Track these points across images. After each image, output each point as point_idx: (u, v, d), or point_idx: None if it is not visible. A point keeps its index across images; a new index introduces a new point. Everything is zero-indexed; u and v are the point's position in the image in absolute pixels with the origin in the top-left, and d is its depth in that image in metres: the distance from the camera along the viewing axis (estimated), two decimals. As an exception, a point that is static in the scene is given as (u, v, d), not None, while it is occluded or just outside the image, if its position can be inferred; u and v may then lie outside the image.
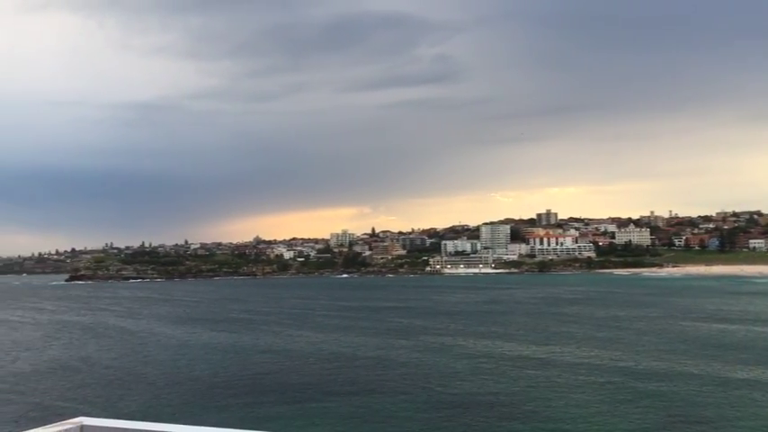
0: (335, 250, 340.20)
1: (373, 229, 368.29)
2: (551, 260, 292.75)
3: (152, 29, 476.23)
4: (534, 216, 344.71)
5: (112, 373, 51.19)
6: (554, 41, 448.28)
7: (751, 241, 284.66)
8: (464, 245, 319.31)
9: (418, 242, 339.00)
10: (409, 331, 74.19)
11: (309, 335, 72.70)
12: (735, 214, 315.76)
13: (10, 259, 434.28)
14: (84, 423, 5.45)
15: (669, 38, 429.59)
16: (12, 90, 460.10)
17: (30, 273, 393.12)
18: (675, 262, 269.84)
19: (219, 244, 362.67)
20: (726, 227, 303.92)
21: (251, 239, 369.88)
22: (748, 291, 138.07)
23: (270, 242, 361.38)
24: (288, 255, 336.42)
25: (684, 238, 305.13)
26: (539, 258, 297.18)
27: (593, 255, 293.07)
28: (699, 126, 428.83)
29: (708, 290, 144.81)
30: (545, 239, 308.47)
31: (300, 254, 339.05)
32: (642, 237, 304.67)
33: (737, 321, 78.33)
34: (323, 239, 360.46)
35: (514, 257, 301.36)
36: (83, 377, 49.68)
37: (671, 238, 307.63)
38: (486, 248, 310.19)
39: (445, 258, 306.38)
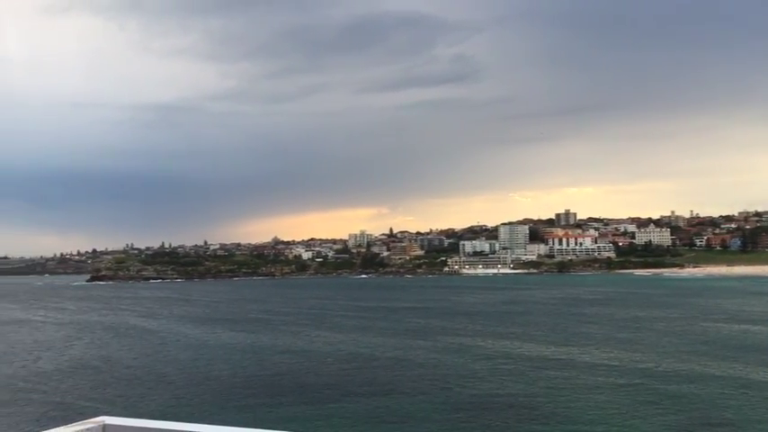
0: (353, 251, 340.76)
1: (391, 230, 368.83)
2: (570, 260, 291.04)
3: (172, 31, 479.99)
4: (553, 216, 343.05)
5: (133, 372, 51.66)
6: (572, 40, 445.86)
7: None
8: (482, 245, 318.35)
9: (436, 242, 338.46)
10: (428, 332, 74.10)
11: (328, 335, 72.87)
12: (757, 214, 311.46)
13: (32, 260, 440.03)
14: (107, 422, 5.50)
15: (689, 36, 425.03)
16: (35, 92, 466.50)
17: (52, 273, 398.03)
18: (696, 262, 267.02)
19: (238, 244, 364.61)
20: (748, 227, 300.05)
21: (269, 240, 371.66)
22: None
23: (288, 243, 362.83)
24: (306, 255, 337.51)
25: (706, 238, 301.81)
26: (558, 259, 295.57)
27: (612, 255, 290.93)
28: (720, 124, 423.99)
29: (730, 290, 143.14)
30: (564, 240, 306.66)
31: (319, 254, 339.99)
32: (662, 237, 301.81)
33: (760, 322, 77.34)
34: (341, 240, 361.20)
35: (533, 258, 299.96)
36: (104, 377, 50.20)
37: (692, 238, 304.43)
38: (504, 249, 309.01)
39: (463, 259, 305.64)
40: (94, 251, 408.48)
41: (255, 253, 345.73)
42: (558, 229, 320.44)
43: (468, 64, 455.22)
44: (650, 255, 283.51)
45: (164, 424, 5.37)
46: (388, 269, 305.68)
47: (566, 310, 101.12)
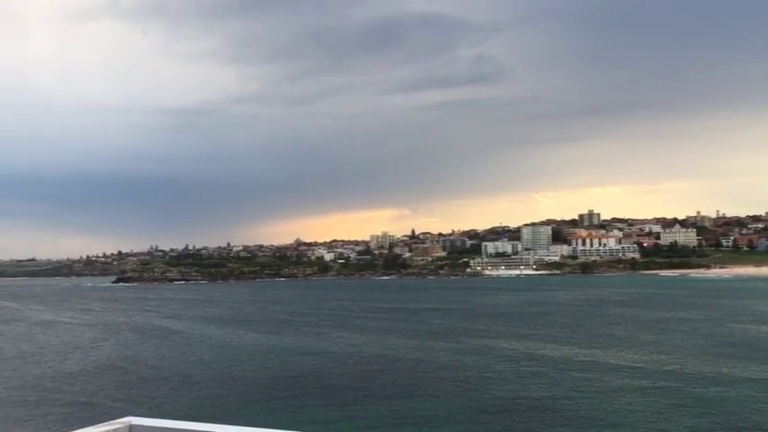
0: (375, 252, 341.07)
1: (413, 231, 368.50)
2: (594, 261, 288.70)
3: (195, 34, 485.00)
4: (576, 217, 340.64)
5: (158, 372, 52.17)
6: (595, 39, 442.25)
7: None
8: (505, 246, 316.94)
9: (458, 243, 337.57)
10: (450, 333, 73.93)
11: (350, 336, 73.01)
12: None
13: (59, 262, 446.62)
14: (133, 423, 5.58)
15: (716, 33, 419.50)
16: (62, 97, 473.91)
17: (78, 275, 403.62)
18: (723, 263, 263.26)
19: (261, 246, 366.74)
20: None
21: (292, 241, 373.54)
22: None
23: (310, 244, 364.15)
24: (328, 256, 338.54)
25: (732, 238, 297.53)
26: (581, 259, 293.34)
27: (637, 256, 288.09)
28: (747, 123, 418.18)
29: (757, 291, 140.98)
30: (587, 240, 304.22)
31: (341, 256, 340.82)
32: (688, 237, 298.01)
33: (789, 324, 76.08)
34: (363, 241, 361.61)
35: (556, 259, 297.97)
36: (129, 377, 50.77)
37: (718, 238, 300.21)
38: (527, 250, 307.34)
39: (486, 260, 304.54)
40: (120, 253, 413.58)
41: (278, 254, 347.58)
42: (582, 230, 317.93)
43: (490, 64, 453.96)
44: (676, 255, 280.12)
45: (190, 425, 5.42)
46: (410, 270, 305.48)
47: (589, 311, 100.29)
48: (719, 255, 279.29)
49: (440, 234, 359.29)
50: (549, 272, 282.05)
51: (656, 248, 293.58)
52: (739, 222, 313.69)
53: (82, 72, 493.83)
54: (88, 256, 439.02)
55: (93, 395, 43.69)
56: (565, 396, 39.69)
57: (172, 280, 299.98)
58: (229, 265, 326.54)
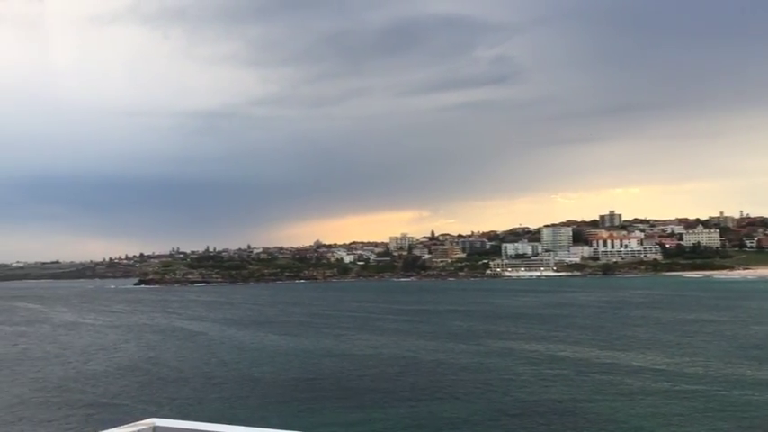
0: (395, 254, 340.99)
1: (433, 233, 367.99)
2: (615, 263, 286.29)
3: (215, 38, 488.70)
4: (597, 218, 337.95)
5: (180, 374, 52.60)
6: (615, 39, 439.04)
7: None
8: (525, 247, 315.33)
9: (478, 245, 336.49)
10: (470, 335, 73.73)
11: (369, 338, 73.08)
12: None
13: (83, 264, 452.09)
14: (157, 424, 5.66)
15: (740, 32, 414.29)
16: (84, 101, 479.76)
17: (101, 277, 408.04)
18: (747, 264, 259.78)
19: (281, 248, 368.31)
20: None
21: (312, 243, 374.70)
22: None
23: (330, 246, 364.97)
24: (348, 258, 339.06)
25: (756, 239, 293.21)
26: (602, 261, 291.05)
27: (659, 257, 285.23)
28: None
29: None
30: (609, 241, 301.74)
31: (360, 257, 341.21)
32: (711, 238, 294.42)
33: (815, 326, 74.90)
34: (382, 243, 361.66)
35: (577, 260, 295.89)
36: (152, 378, 51.23)
37: (742, 239, 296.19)
38: (547, 251, 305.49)
39: (506, 261, 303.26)
40: (142, 255, 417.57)
41: (298, 256, 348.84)
42: (603, 231, 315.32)
43: (510, 65, 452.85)
44: (699, 256, 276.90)
45: (213, 426, 5.49)
46: (430, 272, 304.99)
47: (611, 312, 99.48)
48: (743, 256, 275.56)
49: (459, 235, 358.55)
50: (569, 273, 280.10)
51: (679, 249, 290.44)
52: (763, 223, 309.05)
53: (104, 76, 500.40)
54: (111, 259, 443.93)
55: (116, 396, 44.17)
56: (586, 399, 39.43)
57: (193, 282, 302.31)
58: (249, 267, 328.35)
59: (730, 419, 34.11)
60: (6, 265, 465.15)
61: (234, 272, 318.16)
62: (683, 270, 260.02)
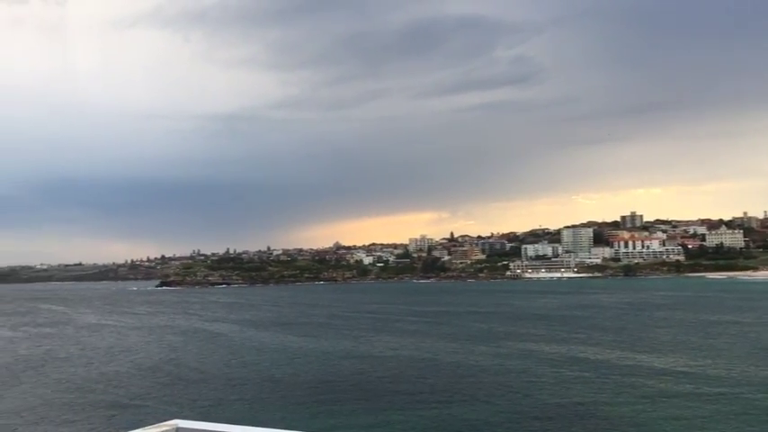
0: (414, 255, 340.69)
1: (452, 234, 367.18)
2: (637, 264, 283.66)
3: (235, 42, 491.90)
4: (618, 218, 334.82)
5: (201, 375, 52.98)
6: (636, 38, 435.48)
7: None
8: (545, 249, 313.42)
9: (498, 246, 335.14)
10: (490, 336, 73.46)
11: (389, 339, 73.07)
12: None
13: (105, 266, 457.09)
14: (180, 425, 5.71)
15: (760, 32, 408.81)
16: (106, 104, 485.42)
17: (123, 279, 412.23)
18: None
19: (300, 250, 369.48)
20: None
21: (331, 245, 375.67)
22: None
23: (349, 248, 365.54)
24: (367, 260, 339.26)
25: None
26: (624, 262, 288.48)
27: (681, 258, 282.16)
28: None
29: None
30: (630, 242, 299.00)
31: (380, 259, 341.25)
32: (735, 239, 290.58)
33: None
34: (402, 244, 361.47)
35: (598, 261, 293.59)
36: (173, 379, 51.65)
37: (766, 239, 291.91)
38: (567, 252, 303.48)
39: (526, 263, 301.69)
40: (163, 257, 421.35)
41: (317, 258, 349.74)
42: (624, 232, 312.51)
43: (529, 65, 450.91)
44: (722, 257, 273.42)
45: (235, 428, 5.51)
46: (450, 273, 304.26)
47: (632, 314, 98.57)
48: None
49: (479, 237, 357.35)
50: (590, 275, 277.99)
51: (702, 250, 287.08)
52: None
53: (125, 80, 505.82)
54: (132, 261, 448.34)
55: (138, 397, 44.58)
56: (608, 401, 39.10)
57: (213, 283, 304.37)
58: (269, 268, 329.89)
59: (754, 423, 33.65)
60: (30, 267, 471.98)
61: (254, 273, 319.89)
62: (707, 271, 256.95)
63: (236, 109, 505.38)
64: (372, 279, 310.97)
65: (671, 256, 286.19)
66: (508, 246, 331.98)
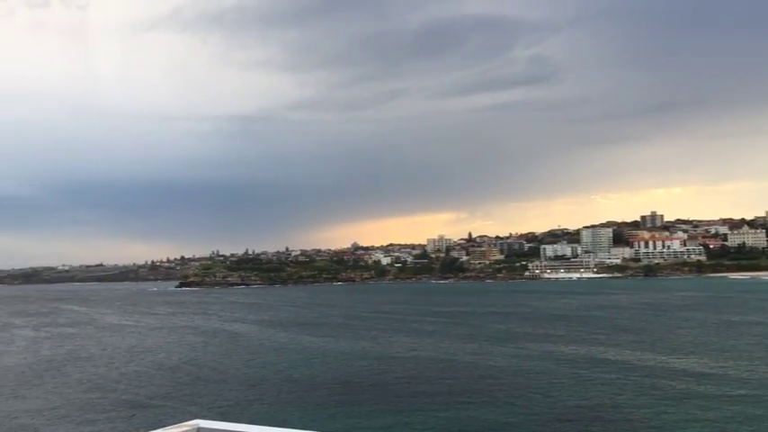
0: (432, 255, 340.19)
1: (470, 234, 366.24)
2: (657, 264, 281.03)
3: (252, 44, 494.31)
4: (638, 218, 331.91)
5: (221, 375, 53.27)
6: (656, 37, 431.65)
7: None
8: (564, 249, 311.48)
9: (516, 247, 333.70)
10: (509, 337, 73.14)
11: (407, 340, 73.01)
12: None
13: (125, 267, 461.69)
14: (201, 425, 5.74)
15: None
16: (125, 106, 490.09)
17: (143, 279, 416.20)
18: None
19: (319, 250, 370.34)
20: None
21: (349, 246, 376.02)
22: None
23: (367, 248, 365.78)
24: (385, 260, 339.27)
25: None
26: (644, 262, 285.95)
27: (703, 258, 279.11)
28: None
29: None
30: (650, 242, 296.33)
31: (398, 259, 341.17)
32: (757, 238, 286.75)
33: None
34: (420, 245, 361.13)
35: (618, 261, 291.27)
36: (193, 379, 51.99)
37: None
38: (587, 252, 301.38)
39: (545, 263, 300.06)
40: (183, 258, 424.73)
41: (335, 259, 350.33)
42: (644, 232, 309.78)
43: (547, 65, 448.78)
44: (744, 257, 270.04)
45: (256, 428, 5.52)
46: (468, 274, 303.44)
47: (653, 314, 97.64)
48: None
49: (497, 237, 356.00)
50: (610, 275, 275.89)
51: (724, 250, 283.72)
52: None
53: (145, 82, 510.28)
54: (153, 261, 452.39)
55: (159, 397, 44.92)
56: (628, 403, 38.76)
57: (232, 284, 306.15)
58: (288, 269, 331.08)
59: (778, 425, 33.19)
60: (52, 268, 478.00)
61: (272, 274, 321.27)
62: (728, 271, 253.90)
63: (253, 110, 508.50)
64: (390, 280, 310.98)
65: (692, 256, 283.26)
66: (527, 246, 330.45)
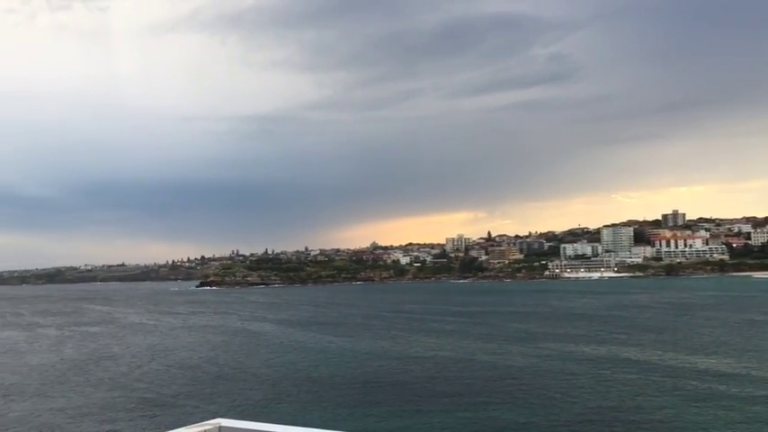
0: (451, 255, 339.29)
1: (489, 234, 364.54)
2: (679, 263, 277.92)
3: (270, 44, 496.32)
4: (659, 217, 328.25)
5: (241, 374, 53.62)
6: (676, 34, 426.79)
7: None
8: (584, 248, 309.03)
9: (536, 246, 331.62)
10: (528, 337, 72.80)
11: (426, 340, 72.96)
12: None
13: (146, 266, 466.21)
14: (222, 424, 5.79)
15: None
16: (145, 107, 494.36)
17: (164, 279, 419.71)
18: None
19: (338, 250, 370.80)
20: None
21: (368, 245, 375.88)
22: None
23: (386, 248, 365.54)
24: (404, 260, 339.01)
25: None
26: (665, 261, 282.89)
27: (726, 257, 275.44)
28: None
29: None
30: (672, 241, 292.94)
31: (417, 259, 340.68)
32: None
33: None
34: (439, 244, 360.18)
35: (639, 261, 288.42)
36: (213, 378, 52.37)
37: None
38: (607, 252, 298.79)
39: (564, 262, 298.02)
40: (203, 258, 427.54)
41: (354, 258, 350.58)
42: (666, 231, 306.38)
43: (566, 63, 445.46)
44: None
45: (278, 428, 5.55)
46: (487, 273, 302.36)
47: (675, 314, 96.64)
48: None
49: (516, 236, 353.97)
50: (631, 274, 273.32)
51: (747, 249, 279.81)
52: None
53: (164, 83, 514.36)
54: (173, 261, 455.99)
55: (180, 396, 45.31)
56: (649, 403, 38.43)
57: (252, 284, 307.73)
58: (307, 269, 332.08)
59: (803, 426, 32.73)
60: (75, 268, 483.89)
61: (292, 274, 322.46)
62: (752, 270, 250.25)
63: (272, 111, 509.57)
64: (409, 279, 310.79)
65: (714, 255, 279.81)
66: (546, 245, 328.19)
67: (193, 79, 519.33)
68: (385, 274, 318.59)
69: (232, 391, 46.49)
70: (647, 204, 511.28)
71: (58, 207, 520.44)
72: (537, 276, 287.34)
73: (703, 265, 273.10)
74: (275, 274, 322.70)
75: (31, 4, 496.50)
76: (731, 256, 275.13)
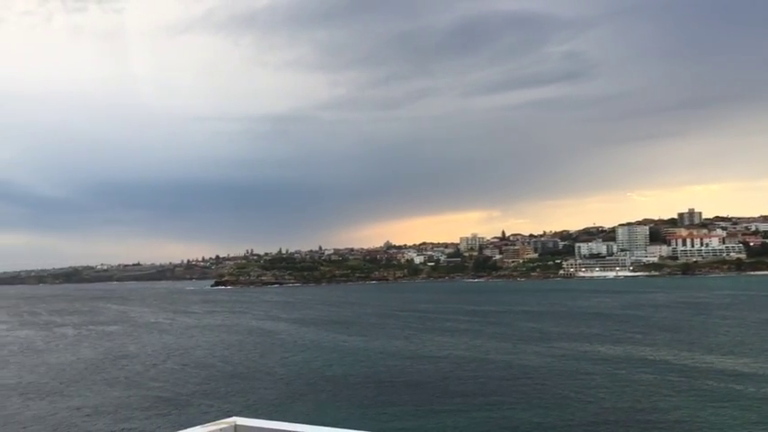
0: (465, 254, 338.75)
1: (503, 233, 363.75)
2: (696, 262, 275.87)
3: (283, 44, 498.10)
4: (675, 216, 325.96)
5: (256, 373, 53.82)
6: (692, 30, 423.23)
7: None
8: (599, 247, 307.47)
9: (550, 245, 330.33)
10: (542, 337, 72.53)
11: (440, 339, 72.88)
12: None
13: (162, 266, 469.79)
14: (238, 423, 5.85)
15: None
16: (160, 108, 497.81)
17: (179, 278, 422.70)
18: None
19: (352, 249, 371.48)
20: None
21: (382, 245, 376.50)
22: None
23: (400, 247, 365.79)
24: (418, 259, 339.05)
25: None
26: (682, 260, 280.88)
27: (743, 256, 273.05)
28: None
29: None
30: (688, 240, 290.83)
31: (430, 258, 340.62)
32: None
33: None
34: (452, 244, 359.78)
35: (654, 260, 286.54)
36: (228, 376, 52.61)
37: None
38: (622, 251, 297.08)
39: (579, 261, 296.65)
40: (218, 257, 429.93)
41: (368, 258, 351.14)
42: (682, 230, 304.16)
43: (580, 61, 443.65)
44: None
45: (293, 426, 5.60)
46: (501, 273, 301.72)
47: (691, 313, 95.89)
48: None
49: (531, 235, 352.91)
50: (646, 273, 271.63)
51: (764, 248, 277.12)
52: None
53: (179, 83, 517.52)
54: (188, 261, 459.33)
55: (196, 395, 45.56)
56: (665, 404, 38.17)
57: (266, 283, 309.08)
58: (321, 268, 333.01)
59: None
60: (91, 268, 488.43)
61: (306, 273, 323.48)
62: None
63: (286, 111, 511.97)
64: (423, 278, 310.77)
65: (731, 253, 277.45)
66: (561, 244, 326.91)
67: (207, 80, 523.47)
68: (399, 274, 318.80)
69: (247, 390, 46.69)
70: (662, 203, 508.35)
71: (71, 207, 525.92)
72: (551, 276, 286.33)
73: (720, 264, 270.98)
74: (289, 274, 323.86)
75: (48, 6, 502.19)
76: (748, 255, 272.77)
